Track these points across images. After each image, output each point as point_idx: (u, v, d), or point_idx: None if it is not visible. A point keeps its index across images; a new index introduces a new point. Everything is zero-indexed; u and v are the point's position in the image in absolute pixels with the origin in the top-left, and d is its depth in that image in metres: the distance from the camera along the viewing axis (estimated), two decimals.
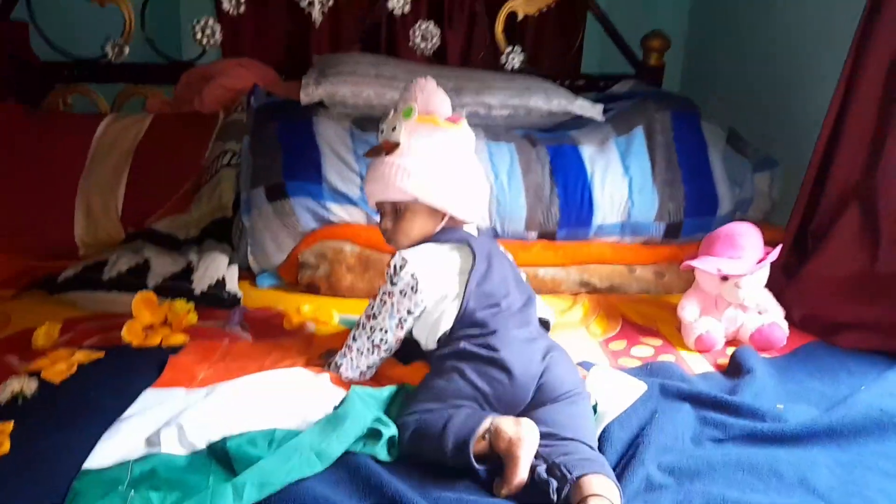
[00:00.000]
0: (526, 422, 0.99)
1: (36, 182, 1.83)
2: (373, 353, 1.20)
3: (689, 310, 1.51)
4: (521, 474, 0.94)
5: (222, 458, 0.98)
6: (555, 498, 0.92)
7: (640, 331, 1.56)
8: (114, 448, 0.99)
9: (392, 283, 1.17)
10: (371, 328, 1.20)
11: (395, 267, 1.18)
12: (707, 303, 1.52)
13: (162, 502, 0.89)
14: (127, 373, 1.19)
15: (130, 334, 1.31)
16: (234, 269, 1.63)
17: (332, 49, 2.34)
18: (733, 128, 2.00)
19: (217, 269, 1.58)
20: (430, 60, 2.26)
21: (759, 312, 1.52)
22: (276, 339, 1.39)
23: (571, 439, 1.01)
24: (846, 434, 1.13)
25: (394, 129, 1.18)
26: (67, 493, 0.91)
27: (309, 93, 1.80)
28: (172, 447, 1.00)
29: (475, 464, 0.97)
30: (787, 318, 1.53)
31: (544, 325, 1.29)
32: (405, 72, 1.92)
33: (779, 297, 1.55)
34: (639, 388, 1.22)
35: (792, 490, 1.02)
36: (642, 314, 1.63)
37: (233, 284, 1.59)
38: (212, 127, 1.98)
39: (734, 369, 1.37)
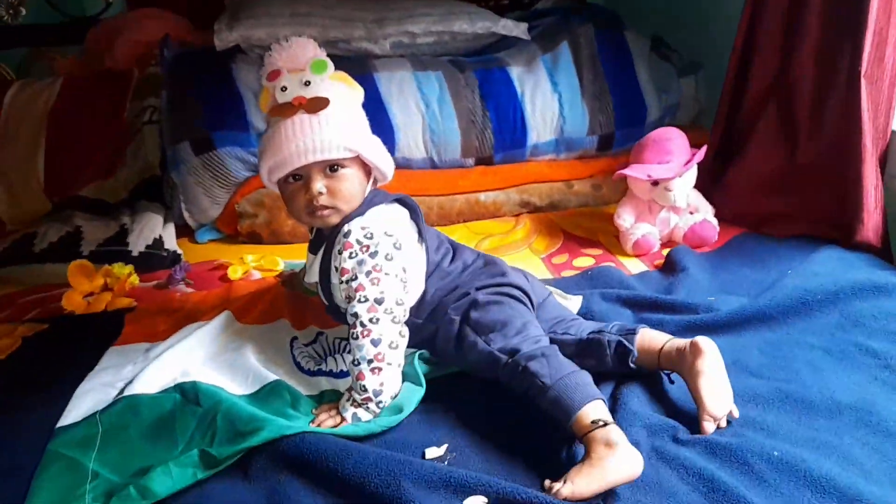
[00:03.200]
0: (633, 455, 0.88)
1: None
2: (402, 338, 1.04)
3: (624, 217, 1.56)
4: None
5: (190, 393, 1.01)
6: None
7: (581, 243, 1.61)
8: (85, 404, 1.01)
9: (372, 255, 1.03)
10: (387, 316, 1.01)
11: (360, 239, 1.04)
12: (641, 208, 1.57)
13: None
14: (80, 338, 1.19)
15: (71, 304, 1.29)
16: (171, 227, 1.61)
17: None
18: (657, 35, 2.02)
19: (153, 228, 1.56)
20: None
21: (691, 212, 1.57)
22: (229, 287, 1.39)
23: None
24: (775, 316, 1.21)
25: (307, 83, 1.04)
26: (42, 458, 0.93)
27: (223, 38, 1.73)
28: (140, 389, 1.03)
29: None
30: (717, 215, 1.59)
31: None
32: (322, 7, 1.86)
33: (708, 196, 1.61)
34: (575, 303, 1.26)
35: (727, 371, 1.08)
36: (582, 227, 1.68)
37: (171, 242, 1.56)
38: (127, 84, 1.90)
39: (670, 267, 1.43)
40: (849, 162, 1.43)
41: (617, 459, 0.86)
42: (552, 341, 1.06)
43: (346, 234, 1.05)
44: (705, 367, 0.98)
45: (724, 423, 0.97)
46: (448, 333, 1.08)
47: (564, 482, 0.85)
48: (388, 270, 1.03)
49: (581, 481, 0.85)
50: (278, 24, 1.76)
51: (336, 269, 1.06)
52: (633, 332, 1.06)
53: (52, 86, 1.89)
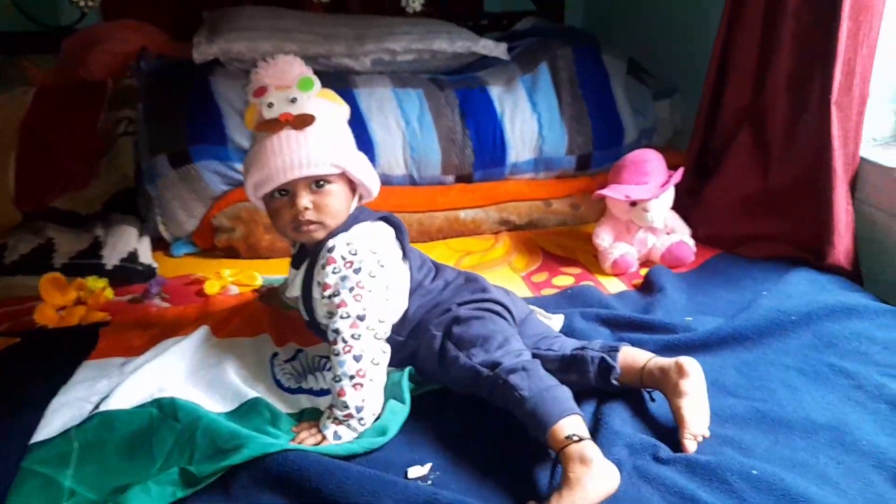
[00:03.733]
0: (609, 470, 0.89)
1: None
2: (384, 354, 1.04)
3: (603, 237, 1.58)
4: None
5: (168, 409, 0.99)
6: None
7: (560, 262, 1.62)
8: (58, 419, 0.99)
9: (355, 272, 1.02)
10: (369, 332, 1.01)
11: (344, 255, 1.03)
12: (619, 228, 1.59)
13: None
14: (54, 353, 1.17)
15: (44, 317, 1.26)
16: (146, 240, 1.58)
17: (222, 4, 2.23)
18: (633, 58, 2.06)
19: (127, 241, 1.53)
20: (327, 9, 2.19)
21: (668, 233, 1.60)
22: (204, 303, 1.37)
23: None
24: (751, 336, 1.23)
25: (293, 100, 1.03)
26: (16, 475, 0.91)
27: (202, 51, 1.71)
28: (116, 405, 1.01)
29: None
30: (693, 236, 1.62)
31: None
32: (303, 23, 1.86)
33: (685, 218, 1.64)
34: (557, 321, 1.27)
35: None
36: (561, 246, 1.69)
37: (146, 256, 1.54)
38: (102, 95, 1.87)
39: (648, 287, 1.45)
40: (820, 186, 1.47)
41: (593, 477, 0.86)
42: (535, 357, 1.06)
43: (330, 250, 1.05)
44: (690, 387, 1.00)
45: (701, 438, 0.99)
46: (430, 349, 1.08)
47: None
48: (371, 287, 1.03)
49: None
50: (259, 39, 1.75)
51: (319, 283, 1.06)
52: (615, 350, 1.07)
53: (24, 96, 1.85)
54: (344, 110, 1.12)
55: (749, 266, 1.53)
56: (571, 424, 0.92)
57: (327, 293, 1.03)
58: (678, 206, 1.63)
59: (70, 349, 1.18)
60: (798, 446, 0.99)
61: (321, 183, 1.05)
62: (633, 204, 1.54)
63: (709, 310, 1.36)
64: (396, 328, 1.10)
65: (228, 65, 1.75)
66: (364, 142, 1.69)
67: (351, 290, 1.01)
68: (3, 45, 2.01)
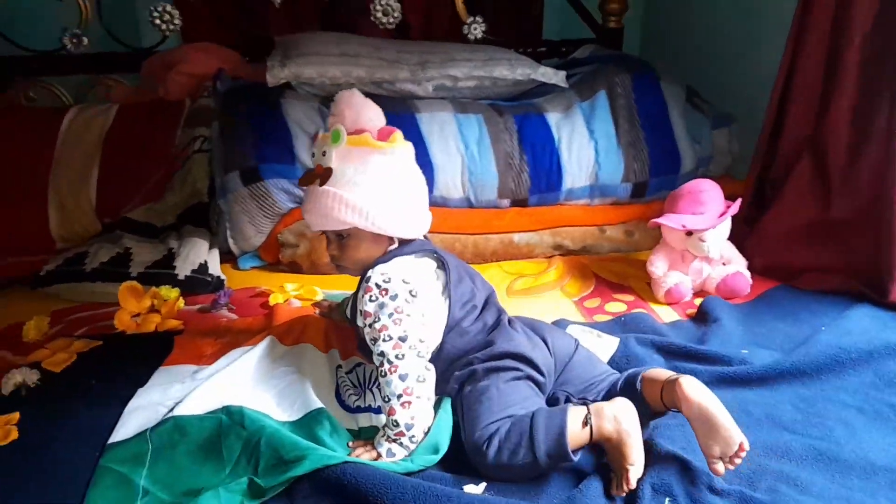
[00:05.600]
0: (621, 400, 1.00)
1: (5, 179, 1.81)
2: (429, 372, 1.07)
3: (657, 265, 1.58)
4: (639, 449, 0.95)
5: (236, 416, 1.04)
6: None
7: (613, 288, 1.63)
8: (135, 421, 1.05)
9: (392, 299, 1.06)
10: (411, 352, 1.04)
11: (379, 283, 1.07)
12: (674, 257, 1.59)
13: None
14: (131, 357, 1.24)
15: (122, 323, 1.34)
16: (216, 253, 1.66)
17: (291, 29, 2.33)
18: (691, 86, 2.06)
19: (198, 253, 1.60)
20: (391, 35, 2.27)
21: (724, 263, 1.60)
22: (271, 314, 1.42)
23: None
24: (809, 372, 1.22)
25: (324, 153, 1.08)
26: (94, 472, 0.96)
27: (275, 75, 1.81)
28: (188, 410, 1.06)
29: (571, 454, 0.96)
30: (749, 267, 1.61)
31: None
32: (369, 48, 1.93)
33: (741, 248, 1.63)
34: (611, 344, 1.28)
35: (760, 425, 1.10)
36: (614, 272, 1.70)
37: (215, 268, 1.61)
38: (179, 114, 1.97)
39: (702, 317, 1.45)
40: (882, 219, 1.45)
41: (622, 421, 0.96)
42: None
43: (367, 280, 1.09)
44: (693, 412, 0.98)
45: (738, 460, 0.95)
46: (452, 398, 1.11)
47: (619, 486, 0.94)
48: (409, 312, 1.06)
49: (634, 470, 0.94)
50: (328, 64, 1.84)
51: (360, 312, 1.10)
52: (633, 384, 1.07)
53: (107, 112, 1.97)
54: (384, 156, 1.09)
55: (807, 299, 1.51)
56: (575, 417, 0.98)
57: (368, 321, 1.07)
58: (734, 235, 1.62)
59: (146, 354, 1.25)
60: (855, 486, 0.98)
61: (342, 234, 1.12)
62: (690, 233, 1.54)
63: (765, 343, 1.35)
64: (433, 361, 1.11)
65: (299, 88, 1.84)
66: (424, 165, 1.71)
67: (390, 315, 1.05)
68: (92, 64, 2.14)
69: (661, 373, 1.07)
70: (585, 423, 0.97)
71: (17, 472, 0.96)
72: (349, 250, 1.13)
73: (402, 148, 1.12)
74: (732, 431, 0.95)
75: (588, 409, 0.98)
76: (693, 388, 0.99)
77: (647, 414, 1.06)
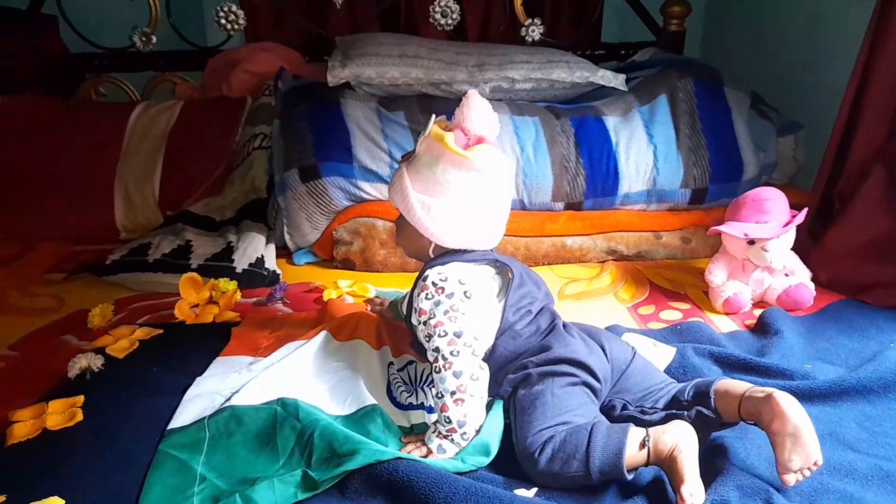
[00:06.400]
0: (681, 423, 0.97)
1: (75, 171, 1.90)
2: (482, 371, 1.07)
3: (716, 273, 1.54)
4: (695, 474, 0.92)
5: (291, 408, 1.06)
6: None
7: (668, 295, 1.60)
8: (193, 409, 1.08)
9: (448, 297, 1.07)
10: (466, 349, 1.04)
11: (435, 282, 1.09)
12: (734, 266, 1.55)
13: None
14: (191, 346, 1.27)
15: (182, 313, 1.38)
16: (272, 248, 1.69)
17: (351, 29, 2.36)
18: (756, 92, 2.01)
19: (256, 248, 1.64)
20: (450, 36, 2.28)
21: (786, 274, 1.54)
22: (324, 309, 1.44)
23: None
24: (875, 390, 1.17)
25: (424, 135, 1.13)
26: (154, 456, 0.99)
27: (335, 75, 1.83)
28: (244, 401, 1.08)
29: (626, 474, 0.94)
30: (813, 279, 1.55)
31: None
32: (428, 50, 1.94)
33: (805, 259, 1.58)
34: (667, 353, 1.25)
35: (823, 441, 1.04)
36: (669, 279, 1.67)
37: (271, 262, 1.65)
38: (240, 111, 2.03)
39: (762, 329, 1.41)
40: None
41: (682, 446, 0.93)
42: (635, 419, 1.05)
43: (424, 279, 1.11)
44: (787, 428, 0.94)
45: (808, 472, 0.94)
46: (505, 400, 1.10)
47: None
48: (465, 310, 1.07)
49: (688, 488, 0.89)
50: (387, 64, 1.85)
51: (415, 309, 1.11)
52: (707, 393, 1.03)
53: (172, 108, 2.04)
54: (452, 158, 1.08)
55: (874, 314, 1.45)
56: (633, 438, 0.95)
57: (423, 318, 1.08)
58: (798, 247, 1.57)
59: (205, 344, 1.28)
60: None
61: (400, 217, 1.16)
62: (752, 242, 1.50)
63: (829, 358, 1.31)
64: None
65: (358, 88, 1.86)
66: None
67: (446, 312, 1.06)
68: (159, 61, 2.21)
69: (738, 384, 1.03)
70: (643, 445, 0.95)
71: (84, 452, 0.99)
72: (399, 230, 1.19)
73: (479, 162, 1.08)
74: (816, 447, 0.94)
75: (647, 432, 0.96)
76: (789, 405, 0.96)
77: (715, 425, 1.03)
